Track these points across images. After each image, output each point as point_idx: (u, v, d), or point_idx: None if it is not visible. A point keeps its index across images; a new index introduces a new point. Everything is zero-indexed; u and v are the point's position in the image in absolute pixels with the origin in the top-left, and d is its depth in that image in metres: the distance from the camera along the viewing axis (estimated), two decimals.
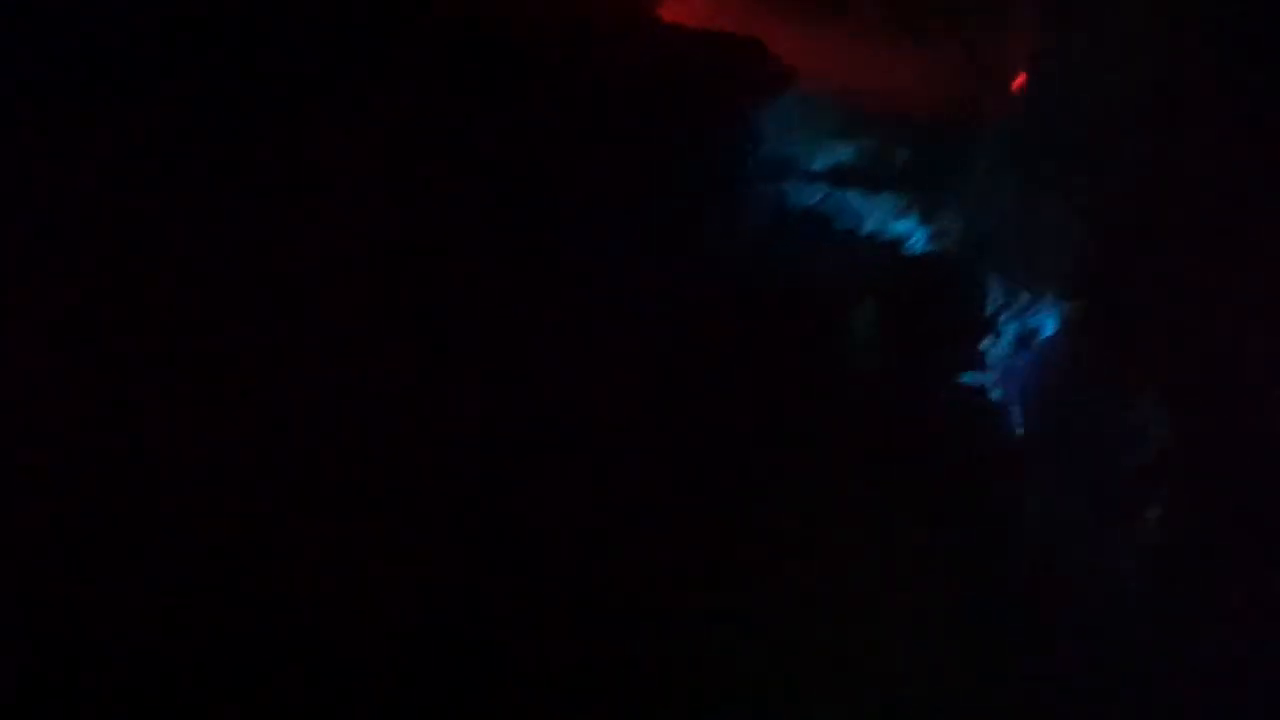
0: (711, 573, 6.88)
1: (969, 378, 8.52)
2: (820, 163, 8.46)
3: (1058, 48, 8.71)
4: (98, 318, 5.93)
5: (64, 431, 5.79)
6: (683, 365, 7.47)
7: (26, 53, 5.89)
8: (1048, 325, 8.66)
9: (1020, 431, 8.44)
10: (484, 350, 6.56)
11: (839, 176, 8.48)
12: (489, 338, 6.58)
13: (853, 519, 7.59)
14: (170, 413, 5.93)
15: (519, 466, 6.51)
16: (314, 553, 5.92)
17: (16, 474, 5.71)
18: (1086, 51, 8.71)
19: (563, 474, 6.63)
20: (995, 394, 8.54)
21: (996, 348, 8.63)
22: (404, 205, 6.28)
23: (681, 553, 6.79)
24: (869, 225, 8.55)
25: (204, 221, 6.07)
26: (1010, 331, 8.65)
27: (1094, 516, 8.31)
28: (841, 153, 8.52)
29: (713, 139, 8.05)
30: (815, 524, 7.48)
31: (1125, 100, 8.58)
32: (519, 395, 6.61)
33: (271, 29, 6.18)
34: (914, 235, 8.58)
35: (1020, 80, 8.71)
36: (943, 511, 7.80)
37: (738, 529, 7.12)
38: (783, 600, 7.07)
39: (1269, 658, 7.52)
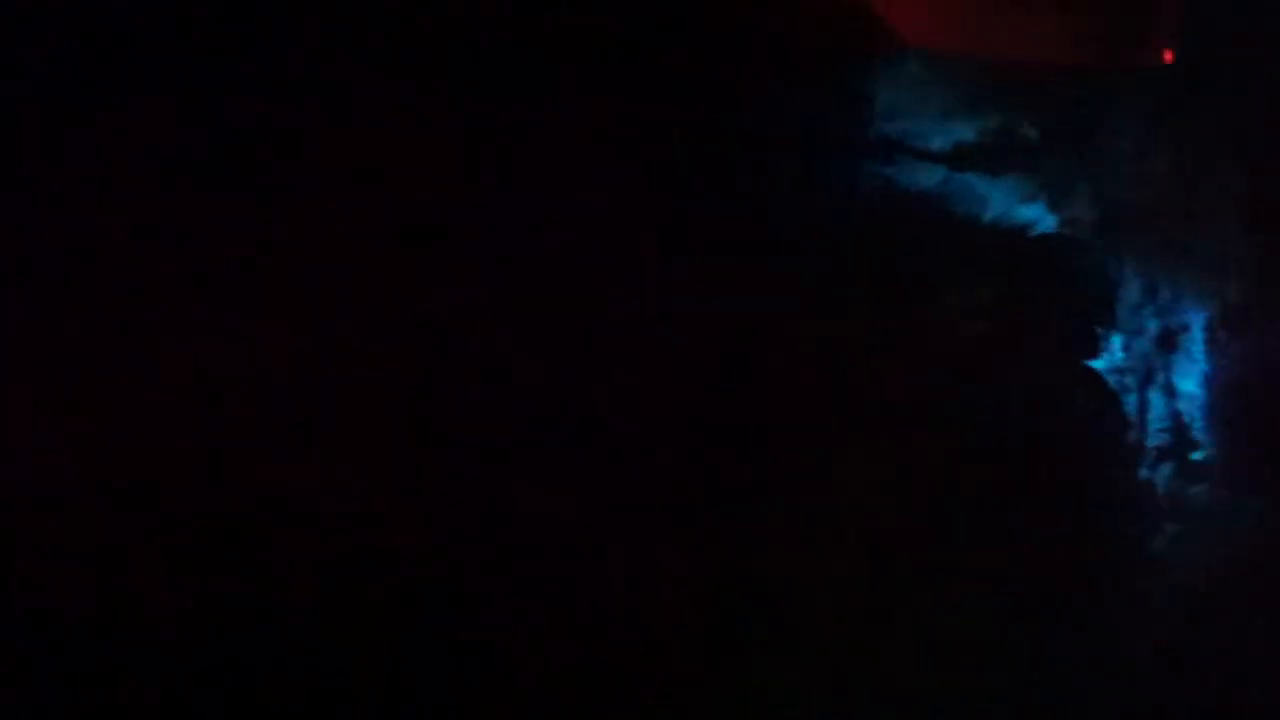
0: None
1: (1100, 376, 7.73)
2: (938, 141, 7.73)
3: (1219, 11, 7.82)
4: (98, 317, 5.90)
5: (62, 428, 5.76)
6: (780, 359, 6.95)
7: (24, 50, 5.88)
8: (1194, 324, 7.82)
9: (1159, 441, 7.67)
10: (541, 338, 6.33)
11: (959, 157, 7.73)
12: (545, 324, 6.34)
13: (959, 517, 6.95)
14: (168, 411, 5.85)
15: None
16: (311, 551, 5.80)
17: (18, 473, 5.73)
18: (1254, 17, 7.79)
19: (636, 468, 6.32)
20: (1132, 396, 7.76)
21: (1134, 346, 7.82)
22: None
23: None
24: (991, 211, 7.81)
25: (206, 219, 6.00)
26: (1151, 329, 7.84)
27: (1229, 536, 7.51)
28: (962, 129, 7.77)
29: (813, 112, 7.45)
30: (918, 527, 6.87)
31: None
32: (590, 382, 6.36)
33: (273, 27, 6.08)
34: (1041, 222, 7.81)
35: (1173, 50, 7.82)
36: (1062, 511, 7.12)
37: (835, 527, 6.61)
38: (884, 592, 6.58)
39: None
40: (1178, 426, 7.66)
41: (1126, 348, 7.76)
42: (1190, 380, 7.70)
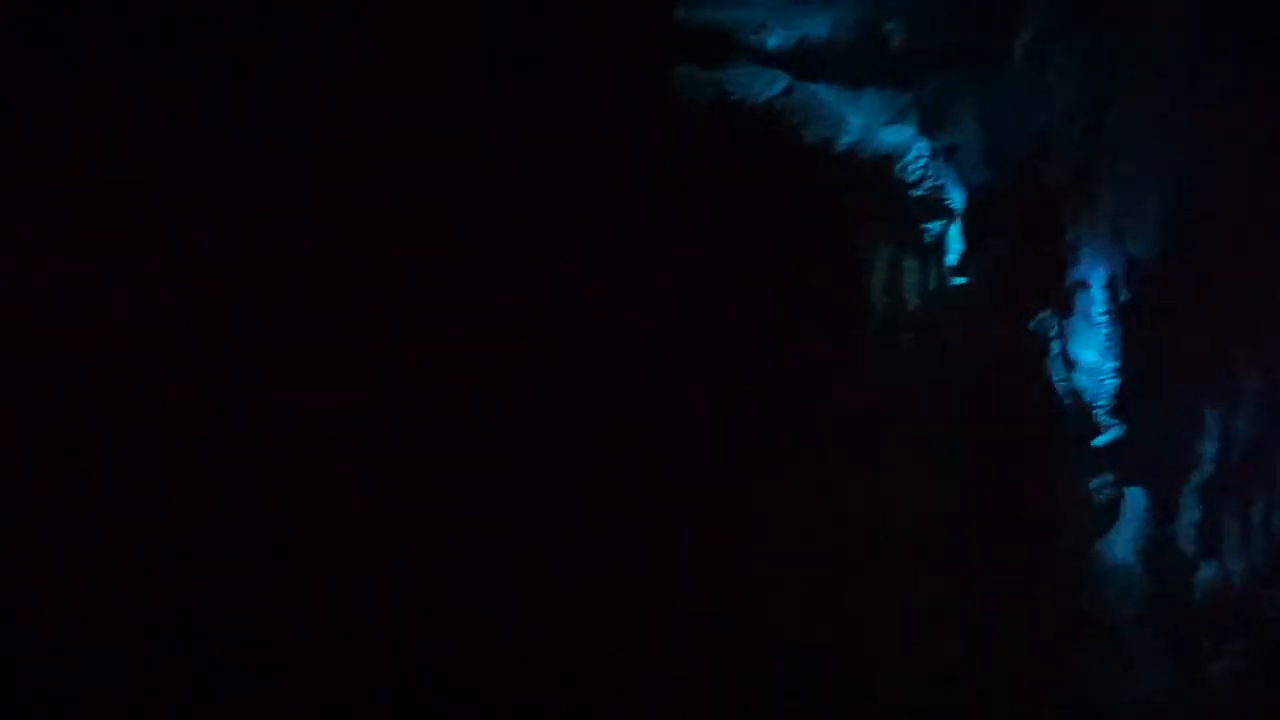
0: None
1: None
2: (776, 38, 6.09)
3: None
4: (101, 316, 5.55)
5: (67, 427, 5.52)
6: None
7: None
8: (1095, 279, 6.27)
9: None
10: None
11: (804, 60, 6.10)
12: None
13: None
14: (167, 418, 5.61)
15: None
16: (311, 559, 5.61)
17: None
18: None
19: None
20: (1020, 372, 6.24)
21: (1024, 309, 6.24)
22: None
23: None
24: (848, 134, 6.19)
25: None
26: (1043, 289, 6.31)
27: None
28: (807, 24, 6.11)
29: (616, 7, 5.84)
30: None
31: None
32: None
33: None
34: (913, 150, 6.20)
35: None
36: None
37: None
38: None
39: None
40: (1078, 406, 6.18)
41: (1012, 312, 6.23)
42: (1091, 349, 6.20)
